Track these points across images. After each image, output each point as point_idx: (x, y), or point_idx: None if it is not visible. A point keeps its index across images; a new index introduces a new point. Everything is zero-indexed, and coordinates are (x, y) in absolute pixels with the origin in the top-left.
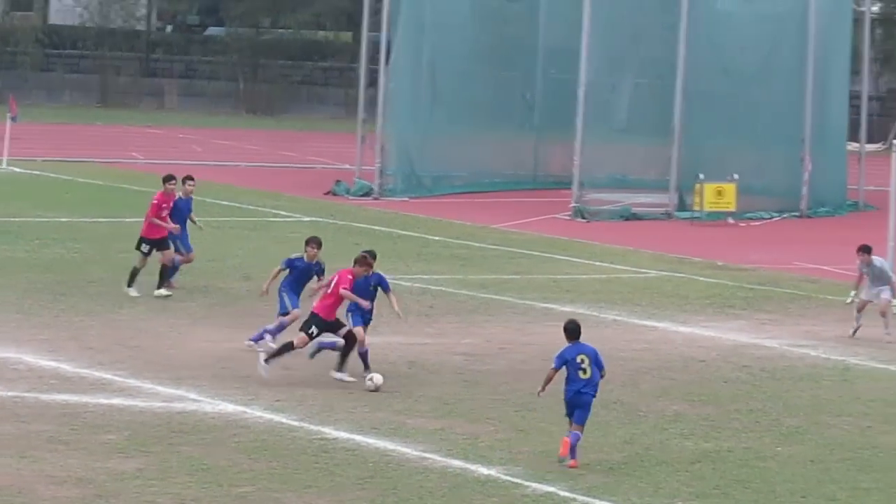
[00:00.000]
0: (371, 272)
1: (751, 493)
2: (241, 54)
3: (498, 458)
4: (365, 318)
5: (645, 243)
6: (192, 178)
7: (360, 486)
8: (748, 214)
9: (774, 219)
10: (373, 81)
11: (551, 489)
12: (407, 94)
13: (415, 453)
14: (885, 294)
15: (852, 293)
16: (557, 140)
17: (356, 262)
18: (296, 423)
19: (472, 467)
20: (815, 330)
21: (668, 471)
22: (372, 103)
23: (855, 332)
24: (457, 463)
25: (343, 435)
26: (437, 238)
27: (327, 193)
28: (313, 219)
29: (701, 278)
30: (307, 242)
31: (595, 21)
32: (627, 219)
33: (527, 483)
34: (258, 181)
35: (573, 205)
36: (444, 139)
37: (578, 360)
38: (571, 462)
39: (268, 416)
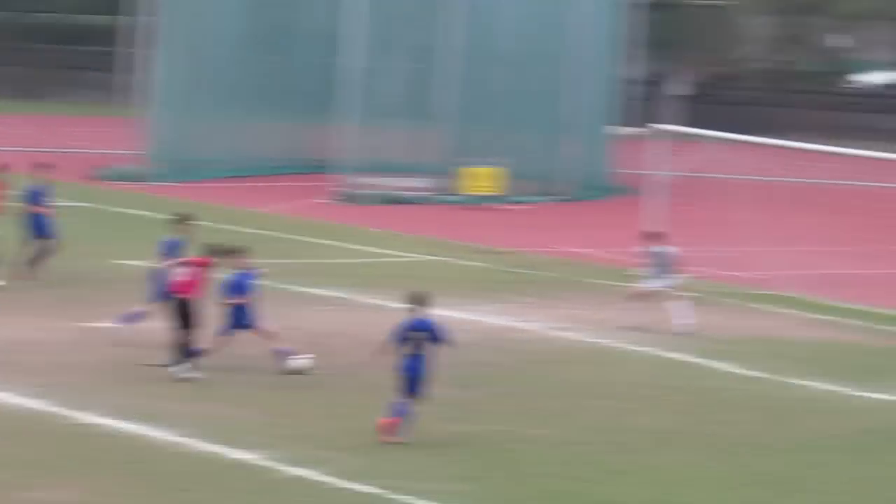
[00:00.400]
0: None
1: (511, 476)
2: (1, 37)
3: (256, 442)
4: None
5: (409, 227)
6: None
7: (116, 472)
8: (511, 198)
9: (537, 203)
10: (139, 66)
11: (307, 472)
12: (173, 79)
13: (171, 438)
14: (668, 283)
15: (640, 272)
16: (324, 124)
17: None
18: (53, 410)
19: (230, 451)
20: (575, 313)
21: (426, 454)
22: (138, 88)
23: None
24: (214, 447)
25: (99, 420)
26: (201, 222)
27: (93, 178)
28: (79, 204)
29: (463, 262)
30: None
31: (361, 5)
32: (392, 202)
33: (283, 467)
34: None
35: (338, 188)
36: (211, 124)
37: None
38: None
39: (24, 401)
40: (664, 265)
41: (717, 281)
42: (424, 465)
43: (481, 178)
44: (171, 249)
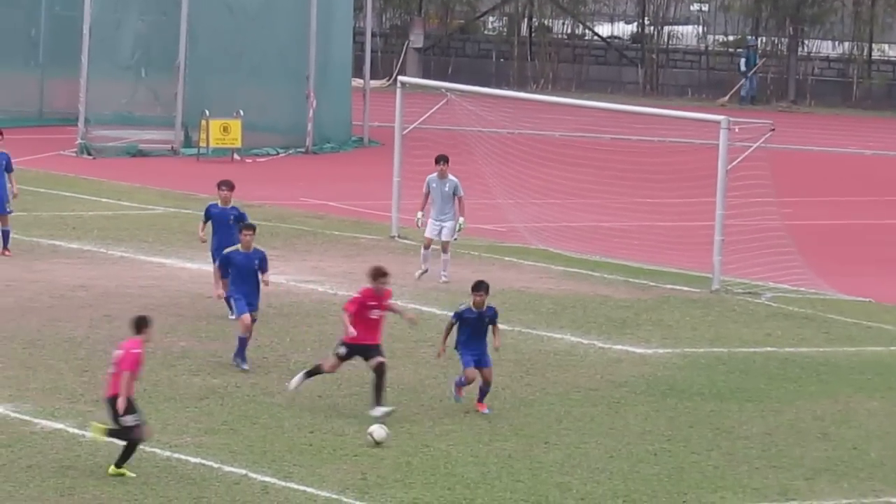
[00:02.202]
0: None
1: (259, 429)
2: None
3: (7, 396)
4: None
5: (151, 180)
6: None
7: None
8: (254, 151)
9: (280, 155)
10: None
11: (60, 426)
12: None
13: None
14: (447, 230)
15: (419, 215)
16: (63, 77)
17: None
18: None
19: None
20: (322, 266)
21: (177, 407)
22: None
23: (421, 274)
24: None
25: None
26: None
27: None
28: None
29: None
30: (219, 185)
31: None
32: (134, 155)
33: (36, 420)
34: None
35: (79, 141)
36: None
37: None
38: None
39: None
40: (445, 203)
41: (463, 234)
42: (173, 418)
43: (224, 131)
44: None
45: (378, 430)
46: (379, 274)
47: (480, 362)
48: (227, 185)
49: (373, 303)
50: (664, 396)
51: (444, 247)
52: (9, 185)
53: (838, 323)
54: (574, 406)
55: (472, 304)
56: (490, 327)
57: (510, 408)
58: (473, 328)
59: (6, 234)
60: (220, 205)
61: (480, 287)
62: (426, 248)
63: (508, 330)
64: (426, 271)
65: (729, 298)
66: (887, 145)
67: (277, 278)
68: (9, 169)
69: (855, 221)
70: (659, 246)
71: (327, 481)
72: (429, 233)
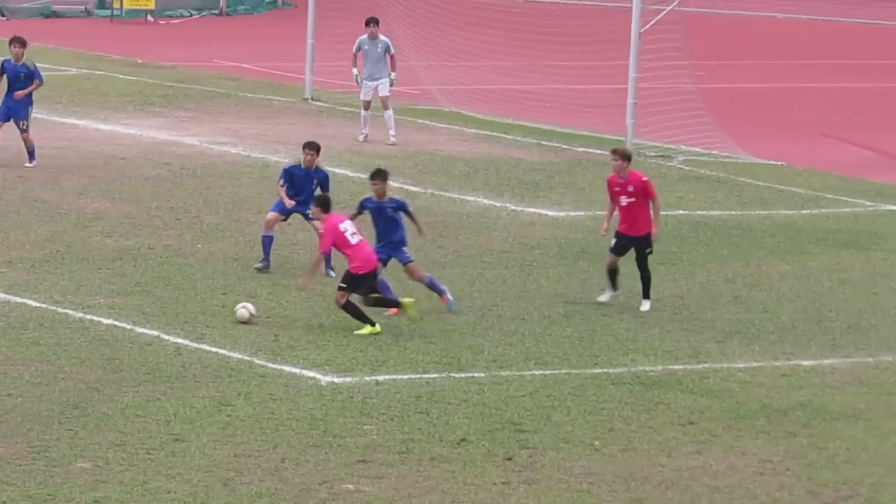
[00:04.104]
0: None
1: (172, 290)
2: None
3: None
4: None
5: (65, 41)
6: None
7: None
8: (167, 12)
9: (194, 17)
10: None
11: None
12: None
13: None
14: (384, 89)
15: (355, 72)
16: None
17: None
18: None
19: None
20: (236, 128)
21: (90, 268)
22: None
23: (365, 137)
24: None
25: None
26: None
27: None
28: None
29: (120, 76)
30: (304, 147)
31: None
32: (47, 16)
33: None
34: None
35: None
36: None
37: None
38: None
39: None
40: (378, 62)
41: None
42: (86, 280)
43: None
44: None
45: (240, 311)
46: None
47: (400, 259)
48: (311, 147)
49: None
50: (576, 259)
51: (385, 102)
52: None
53: (750, 186)
54: (486, 268)
55: (373, 193)
56: (404, 218)
57: (423, 269)
58: (376, 219)
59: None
60: (303, 166)
61: (376, 175)
62: (365, 109)
63: (421, 192)
64: (366, 136)
65: (642, 161)
66: (800, 9)
67: (191, 140)
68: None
69: (768, 85)
70: (572, 109)
71: (240, 343)
72: (364, 95)
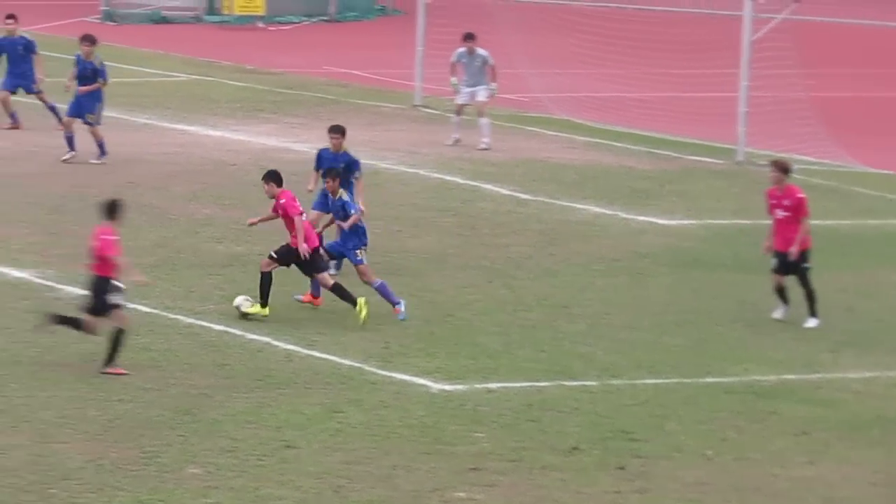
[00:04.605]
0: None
1: (283, 297)
2: None
3: (31, 262)
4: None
5: (175, 47)
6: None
7: None
8: (277, 18)
9: (304, 23)
10: None
11: (84, 292)
12: None
13: None
14: (482, 94)
15: (454, 80)
16: None
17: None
18: None
19: (5, 270)
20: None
21: (200, 274)
22: None
23: (455, 142)
24: None
25: None
26: None
27: None
28: None
29: (230, 82)
30: (329, 131)
31: None
32: (157, 22)
33: (59, 286)
34: None
35: (103, 8)
36: None
37: None
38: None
39: None
40: (476, 73)
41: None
42: (197, 286)
43: None
44: None
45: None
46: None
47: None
48: (336, 131)
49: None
50: (687, 268)
51: (481, 109)
52: (37, 68)
53: (862, 196)
54: (597, 276)
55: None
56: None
57: (534, 277)
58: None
59: (53, 108)
60: (331, 150)
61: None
62: (457, 113)
63: (532, 200)
64: (458, 140)
65: (753, 170)
66: None
67: (300, 146)
68: (32, 50)
69: (880, 94)
70: (683, 117)
71: (351, 350)
72: (459, 99)
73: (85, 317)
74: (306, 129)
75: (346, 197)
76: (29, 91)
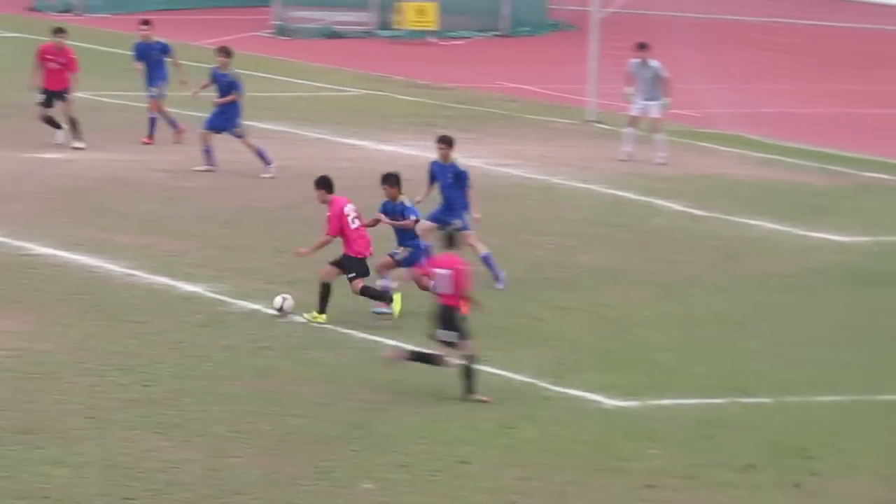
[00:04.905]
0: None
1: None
2: None
3: (204, 276)
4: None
5: (347, 62)
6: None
7: (64, 302)
8: (449, 33)
9: (475, 38)
10: None
11: (257, 306)
12: None
13: (120, 270)
14: (655, 111)
15: (627, 91)
16: None
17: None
18: (0, 239)
19: (178, 284)
20: (517, 149)
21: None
22: None
23: (628, 156)
24: (162, 279)
25: (48, 251)
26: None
27: (28, 9)
28: (13, 35)
29: (402, 97)
30: (437, 141)
31: None
32: (329, 37)
33: (232, 300)
34: None
35: (274, 22)
36: None
37: None
38: None
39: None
40: (649, 85)
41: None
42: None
43: (417, 13)
44: None
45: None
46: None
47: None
48: (443, 141)
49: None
50: (862, 284)
51: (655, 125)
52: (178, 71)
53: None
54: (772, 293)
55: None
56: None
57: (708, 294)
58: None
59: (153, 121)
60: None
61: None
62: (630, 125)
63: (706, 216)
64: (630, 154)
65: None
66: None
67: (473, 161)
68: (167, 53)
69: None
70: (857, 133)
71: (524, 365)
72: (633, 111)
73: (440, 350)
74: (478, 144)
75: (407, 203)
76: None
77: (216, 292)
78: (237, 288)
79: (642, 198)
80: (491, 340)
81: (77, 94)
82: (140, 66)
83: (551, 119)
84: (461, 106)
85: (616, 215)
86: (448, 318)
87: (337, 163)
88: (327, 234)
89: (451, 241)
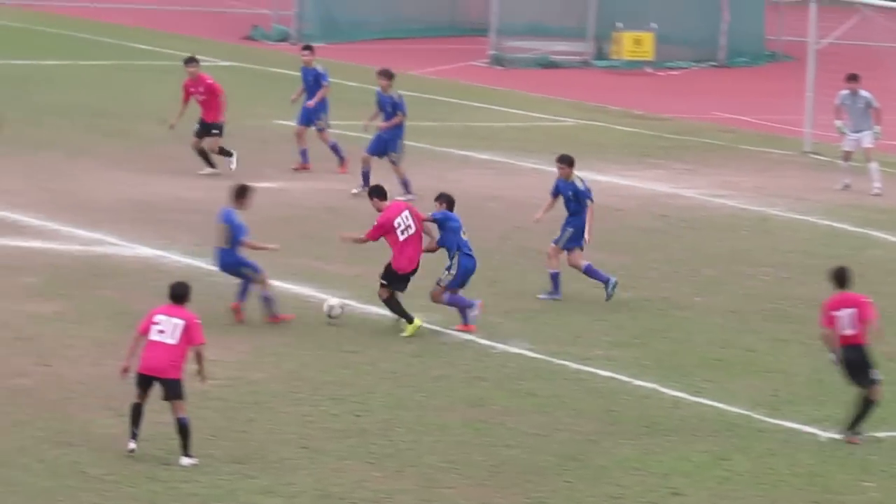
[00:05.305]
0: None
1: (669, 343)
2: None
3: (417, 306)
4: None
5: (562, 91)
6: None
7: (278, 331)
8: (666, 63)
9: (692, 68)
10: None
11: (470, 337)
12: None
13: (334, 300)
14: (867, 141)
15: (838, 124)
16: None
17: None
18: (213, 268)
19: (390, 314)
20: (734, 180)
21: (587, 320)
22: None
23: (845, 187)
24: (375, 309)
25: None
26: (354, 84)
27: (245, 38)
28: (231, 63)
29: (619, 127)
30: (556, 161)
31: None
32: (545, 66)
33: (445, 330)
34: (174, 24)
35: (491, 52)
36: None
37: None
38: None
39: (185, 260)
40: (863, 114)
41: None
42: (584, 331)
43: (634, 43)
44: None
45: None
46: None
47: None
48: (561, 161)
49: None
50: None
51: (868, 155)
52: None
53: None
54: None
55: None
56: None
57: None
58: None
59: (335, 148)
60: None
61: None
62: (845, 160)
63: None
64: (847, 185)
65: None
66: None
67: (689, 192)
68: (320, 82)
69: None
70: None
71: (738, 397)
72: (845, 146)
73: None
74: (694, 175)
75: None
76: (308, 123)
77: (429, 322)
78: (451, 318)
79: (859, 229)
80: (706, 372)
81: (287, 123)
82: (300, 92)
83: (767, 150)
84: (677, 136)
85: (832, 247)
86: (861, 358)
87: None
88: (365, 237)
89: (843, 278)
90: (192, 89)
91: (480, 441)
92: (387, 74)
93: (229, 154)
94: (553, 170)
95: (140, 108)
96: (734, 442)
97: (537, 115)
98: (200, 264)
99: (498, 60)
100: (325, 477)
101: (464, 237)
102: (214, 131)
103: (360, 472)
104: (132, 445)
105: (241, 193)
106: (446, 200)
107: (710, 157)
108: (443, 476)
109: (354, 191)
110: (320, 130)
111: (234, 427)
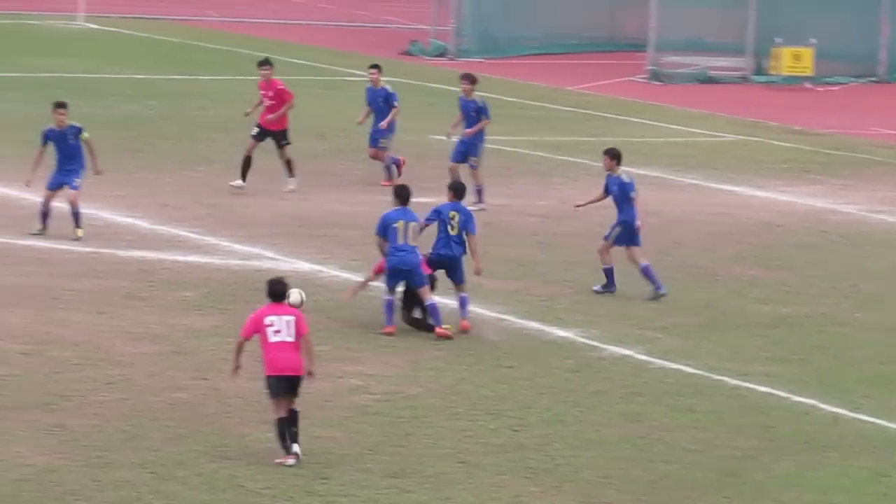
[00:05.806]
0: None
1: (829, 359)
2: None
3: (574, 321)
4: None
5: (721, 107)
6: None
7: (436, 345)
8: (825, 79)
9: (852, 83)
10: None
11: (628, 352)
12: None
13: (491, 314)
14: None
15: None
16: (633, 1)
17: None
18: (371, 283)
19: (549, 329)
20: (894, 196)
21: (746, 335)
22: None
23: None
24: (533, 324)
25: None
26: (512, 99)
27: (402, 53)
28: (389, 78)
29: (777, 143)
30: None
31: None
32: (704, 82)
33: (603, 345)
34: (333, 41)
35: (649, 67)
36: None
37: (450, 215)
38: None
39: (343, 274)
40: None
41: None
42: (742, 347)
43: (794, 58)
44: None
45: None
46: None
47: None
48: (609, 153)
49: None
50: None
51: None
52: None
53: None
54: None
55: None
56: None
57: None
58: None
59: (392, 166)
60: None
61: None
62: None
63: None
64: None
65: None
66: None
67: (848, 208)
68: (391, 103)
69: None
70: None
71: None
72: None
73: None
74: (853, 191)
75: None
76: (372, 144)
77: (587, 337)
78: (608, 333)
79: None
80: (865, 388)
81: (438, 137)
82: (366, 114)
83: None
84: (836, 152)
85: None
86: None
87: (711, 208)
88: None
89: None
90: (263, 92)
91: (638, 456)
92: (470, 79)
93: (292, 174)
94: (711, 185)
95: (298, 123)
96: (894, 458)
97: (696, 130)
98: (358, 279)
99: (656, 76)
100: (482, 492)
101: (451, 232)
102: (284, 142)
103: (518, 487)
104: (291, 461)
105: (403, 194)
106: (453, 189)
107: (868, 173)
108: (600, 491)
109: (481, 206)
110: (382, 149)
111: (392, 441)
